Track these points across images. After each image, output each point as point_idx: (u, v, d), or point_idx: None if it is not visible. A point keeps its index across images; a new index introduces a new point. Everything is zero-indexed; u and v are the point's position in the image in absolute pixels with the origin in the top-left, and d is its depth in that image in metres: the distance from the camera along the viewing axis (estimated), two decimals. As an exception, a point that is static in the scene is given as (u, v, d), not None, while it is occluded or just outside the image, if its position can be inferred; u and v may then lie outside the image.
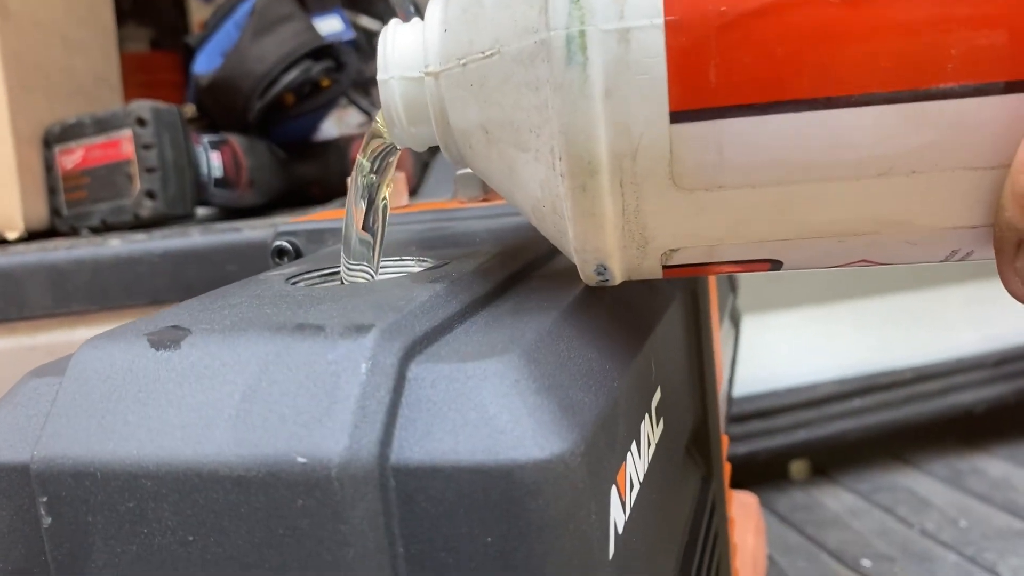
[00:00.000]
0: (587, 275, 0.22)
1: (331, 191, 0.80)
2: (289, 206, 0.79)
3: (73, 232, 0.65)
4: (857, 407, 0.82)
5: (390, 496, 0.18)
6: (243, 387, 0.19)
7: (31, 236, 0.64)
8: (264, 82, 0.69)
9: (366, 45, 0.86)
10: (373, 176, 0.24)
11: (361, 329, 0.19)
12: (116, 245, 0.56)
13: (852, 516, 0.75)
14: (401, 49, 0.23)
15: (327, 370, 0.18)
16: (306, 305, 0.22)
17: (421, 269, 0.26)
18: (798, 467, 0.84)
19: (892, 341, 0.86)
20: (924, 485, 0.80)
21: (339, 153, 0.80)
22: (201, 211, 0.71)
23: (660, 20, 0.18)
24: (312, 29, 0.73)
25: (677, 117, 0.18)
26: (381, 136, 0.24)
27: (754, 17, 0.18)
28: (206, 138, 0.67)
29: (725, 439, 0.39)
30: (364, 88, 0.87)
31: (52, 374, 0.22)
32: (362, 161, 0.24)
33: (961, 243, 0.20)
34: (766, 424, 0.79)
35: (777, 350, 0.81)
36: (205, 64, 0.73)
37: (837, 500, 0.78)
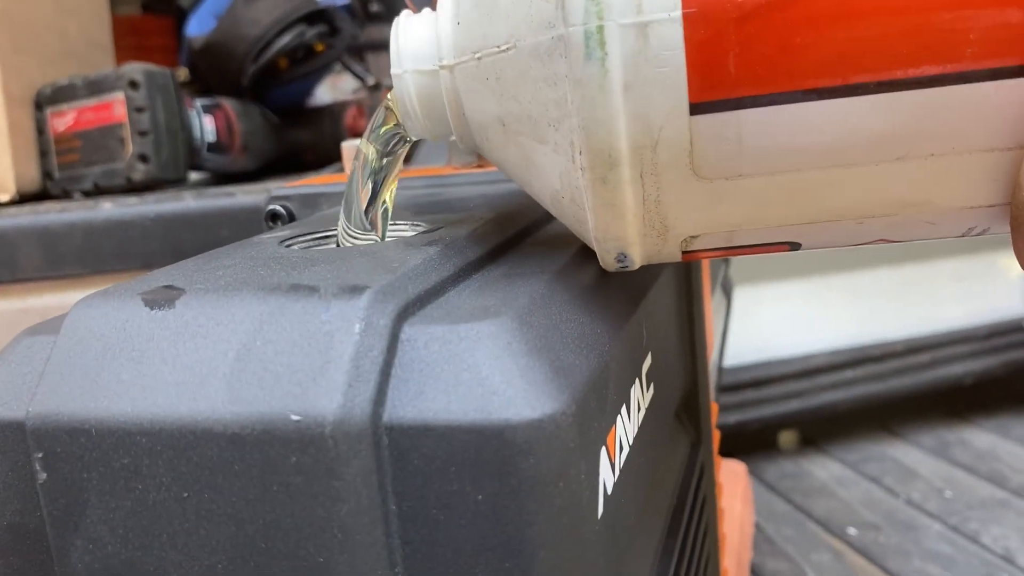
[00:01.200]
0: (607, 262, 0.22)
1: (325, 157, 0.80)
2: (282, 172, 0.79)
3: (65, 195, 0.65)
4: (847, 379, 0.83)
5: (383, 454, 0.18)
6: (237, 346, 0.19)
7: (23, 199, 0.63)
8: (258, 46, 0.68)
9: (360, 10, 0.85)
10: (381, 164, 0.24)
11: (355, 290, 0.19)
12: (108, 209, 0.56)
13: (839, 485, 0.76)
14: (414, 43, 0.23)
15: (321, 330, 0.18)
16: (300, 267, 0.22)
17: (415, 233, 0.26)
18: (787, 437, 0.85)
19: (883, 314, 0.87)
20: (911, 456, 0.81)
21: (333, 119, 0.79)
22: (193, 176, 0.71)
23: (678, 13, 0.18)
24: (306, -8, 0.73)
25: (697, 109, 0.19)
26: (392, 124, 0.24)
27: (771, 7, 0.18)
28: (199, 102, 0.67)
29: (715, 407, 0.39)
30: (358, 53, 0.86)
31: (46, 332, 0.22)
32: (369, 147, 0.24)
33: (978, 221, 0.21)
34: (757, 394, 0.80)
35: (769, 321, 0.82)
36: (198, 27, 0.73)
37: (825, 470, 0.79)
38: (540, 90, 0.20)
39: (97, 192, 0.64)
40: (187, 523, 0.19)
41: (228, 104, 0.69)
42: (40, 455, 0.20)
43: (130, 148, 0.62)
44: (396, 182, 0.25)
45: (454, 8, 0.22)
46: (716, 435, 0.40)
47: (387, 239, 0.26)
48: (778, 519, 0.70)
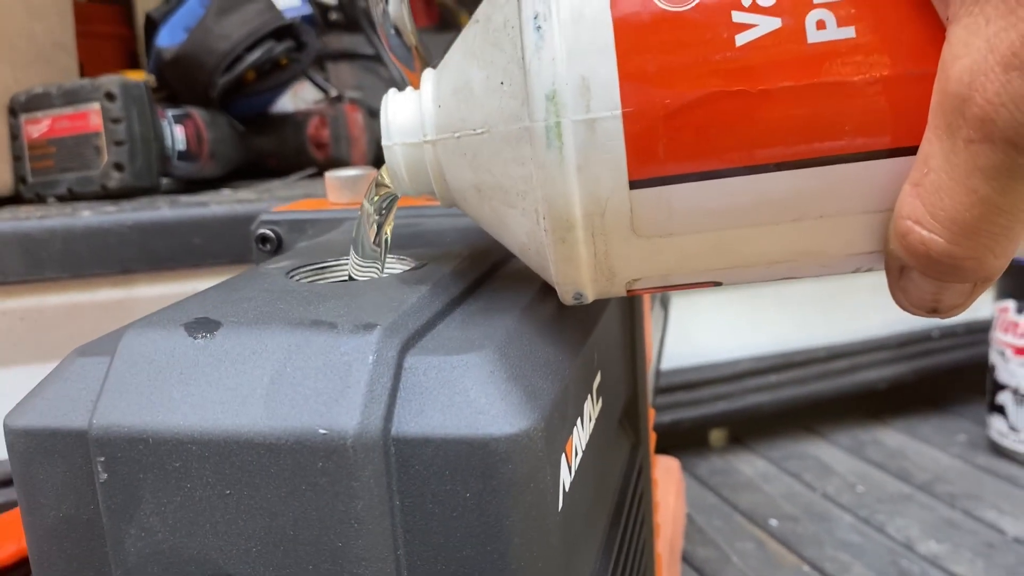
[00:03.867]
0: (565, 299, 0.26)
1: (288, 164, 0.83)
2: (247, 178, 0.82)
3: (39, 199, 0.67)
4: (773, 382, 0.88)
5: (391, 460, 0.22)
6: (271, 372, 0.23)
7: (-2, 202, 0.66)
8: (227, 59, 0.72)
9: (321, 20, 0.88)
10: (378, 217, 0.29)
11: (368, 327, 0.23)
12: (87, 216, 0.59)
13: (763, 480, 0.82)
14: (401, 119, 0.26)
15: (341, 360, 0.23)
16: (315, 302, 0.26)
17: (405, 269, 0.31)
18: (717, 435, 0.90)
19: (807, 323, 0.92)
20: (829, 454, 0.87)
21: (296, 127, 0.83)
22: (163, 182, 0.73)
23: (618, 112, 0.22)
24: (274, 8, 0.76)
25: (635, 184, 0.23)
26: (385, 186, 0.29)
27: (691, 107, 0.22)
28: (171, 112, 0.70)
29: (652, 412, 0.45)
30: (319, 64, 0.89)
31: (96, 354, 0.25)
32: (368, 207, 0.29)
33: (862, 263, 0.25)
34: (690, 396, 0.85)
35: (702, 329, 0.87)
36: (168, 38, 0.75)
37: (751, 466, 0.85)
38: (509, 167, 0.24)
39: (72, 197, 0.66)
40: (228, 515, 0.23)
41: (197, 113, 0.72)
42: (102, 459, 0.23)
43: (106, 157, 0.65)
44: (391, 226, 0.30)
45: (435, 92, 0.26)
46: (653, 437, 0.45)
47: (385, 272, 0.30)
48: (708, 511, 0.76)
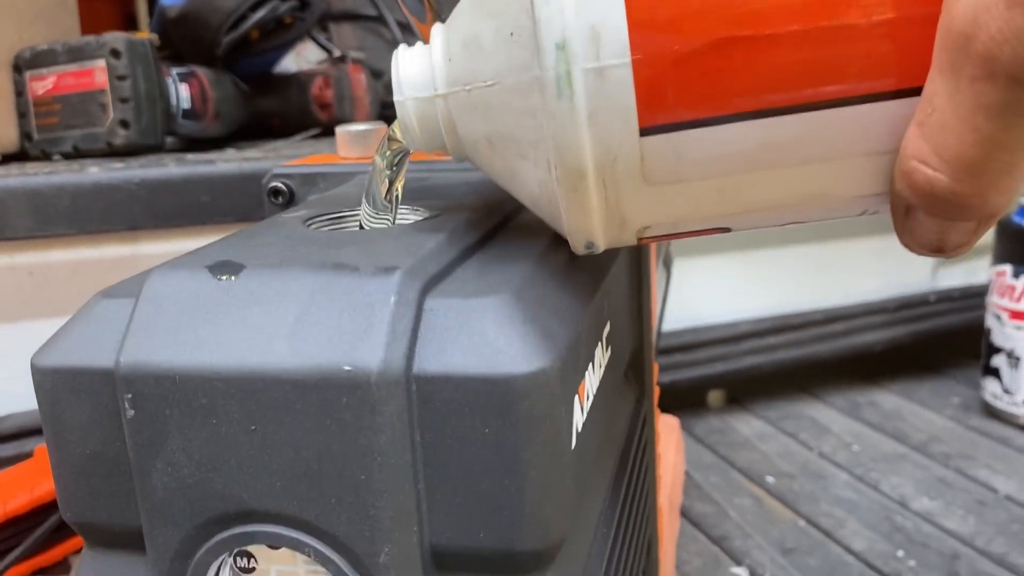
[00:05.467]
0: (577, 248, 0.27)
1: (291, 124, 0.83)
2: (250, 138, 0.82)
3: (44, 156, 0.67)
4: (771, 344, 0.89)
5: (413, 397, 0.23)
6: (295, 312, 0.23)
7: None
8: (233, 18, 0.71)
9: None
10: (389, 172, 0.29)
11: (389, 269, 0.24)
12: (95, 172, 0.59)
13: (760, 439, 0.83)
14: (412, 73, 0.27)
15: (363, 301, 0.23)
16: (335, 247, 0.26)
17: (419, 219, 0.31)
18: (715, 396, 0.91)
19: (805, 286, 0.93)
20: (825, 414, 0.88)
21: (300, 88, 0.82)
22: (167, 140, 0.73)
23: (628, 59, 0.22)
24: (278, -34, 0.75)
25: (645, 132, 0.23)
26: (397, 141, 0.29)
27: (700, 53, 0.22)
28: (175, 70, 0.70)
29: (656, 366, 0.45)
30: (322, 25, 0.89)
31: (119, 296, 0.26)
32: (380, 162, 0.29)
33: (868, 205, 0.25)
34: (689, 357, 0.86)
35: (701, 291, 0.88)
36: (172, -4, 0.75)
37: (748, 425, 0.86)
38: (521, 118, 0.24)
39: (77, 155, 0.66)
40: (253, 450, 0.23)
41: (202, 73, 0.72)
42: (129, 396, 0.24)
43: (111, 114, 0.65)
44: (403, 180, 0.30)
45: (444, 46, 0.26)
46: (656, 391, 0.46)
47: (397, 222, 0.31)
48: (705, 468, 0.77)
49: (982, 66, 0.20)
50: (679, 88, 0.23)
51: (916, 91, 0.22)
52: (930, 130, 0.21)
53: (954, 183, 0.21)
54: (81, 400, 0.25)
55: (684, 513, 0.69)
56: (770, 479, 0.75)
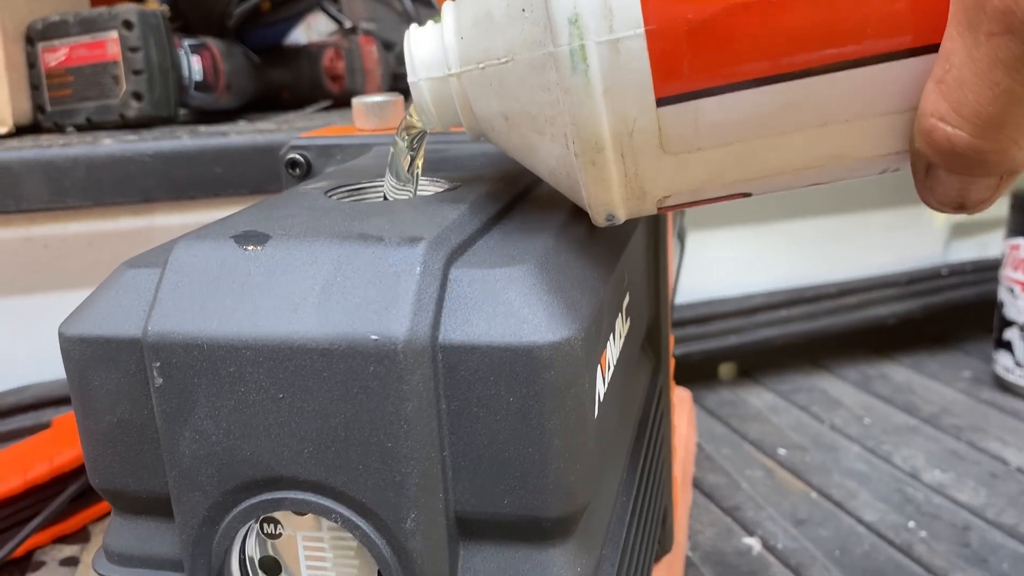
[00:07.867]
0: (598, 221, 0.27)
1: (302, 96, 0.82)
2: (261, 110, 0.82)
3: (57, 128, 0.67)
4: (782, 317, 0.89)
5: (438, 366, 0.23)
6: (322, 281, 0.24)
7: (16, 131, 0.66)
8: (244, -12, 0.71)
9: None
10: (411, 152, 0.29)
11: (414, 240, 0.24)
12: (109, 144, 0.59)
13: (772, 412, 0.83)
14: (425, 54, 0.26)
15: (390, 271, 0.23)
16: (359, 218, 0.26)
17: (440, 190, 0.31)
18: (727, 368, 0.91)
19: (817, 259, 0.93)
20: (836, 387, 0.89)
21: (310, 59, 0.82)
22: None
23: (641, 30, 0.22)
24: (289, -64, 0.75)
25: (662, 102, 0.23)
26: (415, 124, 0.29)
27: (713, 20, 0.22)
28: (187, 42, 0.69)
29: (672, 338, 0.46)
30: (333, -6, 0.88)
31: (145, 266, 0.26)
32: (401, 144, 0.29)
33: (889, 163, 0.25)
34: (701, 329, 0.86)
35: (714, 264, 0.88)
36: (183, -34, 0.75)
37: (759, 398, 0.87)
38: (536, 94, 0.24)
39: (90, 127, 0.66)
40: (280, 418, 0.24)
41: (214, 44, 0.72)
42: (157, 364, 0.24)
43: (124, 86, 0.65)
44: (423, 157, 0.30)
45: (456, 24, 0.26)
46: (672, 363, 0.46)
47: (419, 194, 0.31)
48: (717, 440, 0.77)
49: (999, 21, 0.20)
50: (694, 56, 0.23)
51: (933, 49, 0.22)
52: (948, 87, 0.21)
53: (974, 139, 0.21)
54: (109, 369, 0.25)
55: (696, 484, 0.69)
56: (782, 451, 0.75)
